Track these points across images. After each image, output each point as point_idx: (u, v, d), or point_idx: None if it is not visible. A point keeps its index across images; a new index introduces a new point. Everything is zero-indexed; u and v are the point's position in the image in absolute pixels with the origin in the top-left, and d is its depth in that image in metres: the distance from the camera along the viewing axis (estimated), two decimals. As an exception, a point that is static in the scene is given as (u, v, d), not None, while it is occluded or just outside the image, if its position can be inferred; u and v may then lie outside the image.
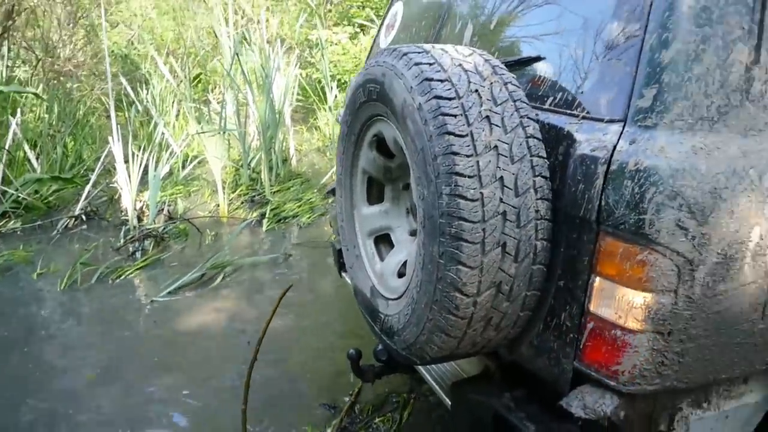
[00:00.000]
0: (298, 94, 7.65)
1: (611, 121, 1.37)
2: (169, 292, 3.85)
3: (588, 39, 1.49)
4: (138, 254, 4.52)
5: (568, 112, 1.48)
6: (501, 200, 1.35)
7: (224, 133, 5.87)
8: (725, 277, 1.29)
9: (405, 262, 1.78)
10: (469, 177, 1.33)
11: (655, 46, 1.32)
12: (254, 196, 5.83)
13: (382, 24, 2.83)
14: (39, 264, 4.27)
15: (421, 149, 1.41)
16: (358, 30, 9.54)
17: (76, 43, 8.61)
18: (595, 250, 1.35)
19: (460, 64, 1.45)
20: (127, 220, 5.01)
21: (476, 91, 1.40)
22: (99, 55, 8.57)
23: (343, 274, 2.62)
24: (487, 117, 1.38)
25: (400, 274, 1.78)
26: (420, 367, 2.05)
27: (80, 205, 5.22)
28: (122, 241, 4.69)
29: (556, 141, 1.45)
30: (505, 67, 1.50)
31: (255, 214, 5.36)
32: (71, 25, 8.40)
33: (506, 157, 1.37)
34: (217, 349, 3.23)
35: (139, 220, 5.04)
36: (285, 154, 6.64)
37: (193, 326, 3.49)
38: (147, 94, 7.37)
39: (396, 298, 1.70)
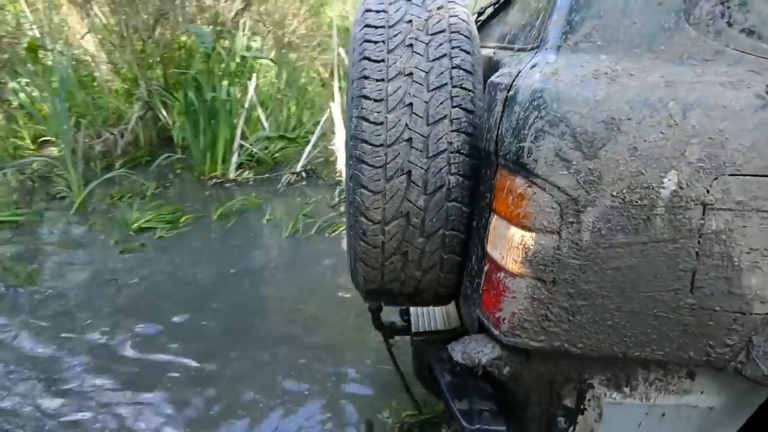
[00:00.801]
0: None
1: (532, 49, 1.25)
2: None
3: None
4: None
5: (510, 46, 1.38)
6: (407, 126, 1.32)
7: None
8: (626, 227, 1.09)
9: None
10: (375, 101, 1.33)
11: None
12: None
13: None
14: (267, 211, 5.06)
15: (348, 76, 1.44)
16: None
17: (301, 17, 9.67)
18: (493, 186, 1.24)
19: (412, -2, 1.45)
20: (341, 181, 5.62)
21: (410, 21, 1.39)
22: (320, 28, 9.57)
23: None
24: (411, 45, 1.36)
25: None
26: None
27: (301, 163, 6.11)
28: (336, 199, 5.37)
29: (490, 74, 1.36)
30: (461, 3, 1.45)
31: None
32: (298, 1, 9.47)
33: (421, 84, 1.33)
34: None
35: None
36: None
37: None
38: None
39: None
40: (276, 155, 6.56)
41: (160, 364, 2.90)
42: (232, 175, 6.00)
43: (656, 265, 1.11)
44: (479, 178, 1.34)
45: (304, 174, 6.04)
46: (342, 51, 6.44)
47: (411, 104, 1.33)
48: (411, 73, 1.34)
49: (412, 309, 2.01)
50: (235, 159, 6.08)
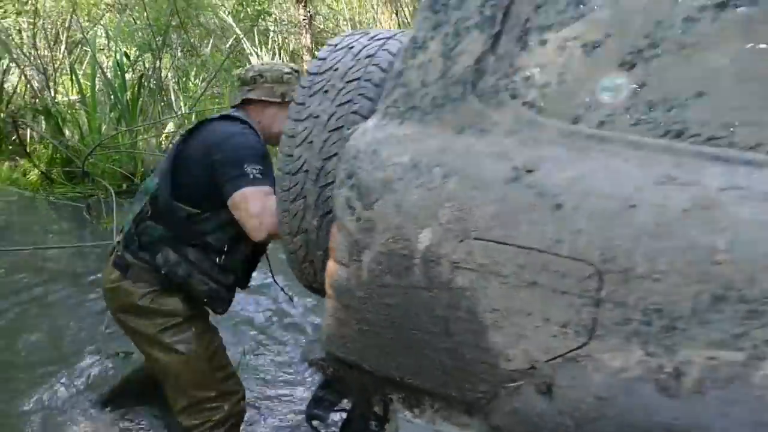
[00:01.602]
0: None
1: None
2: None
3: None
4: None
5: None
6: (306, 160, 1.61)
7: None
8: (390, 271, 1.27)
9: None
10: (290, 137, 1.65)
11: (404, 39, 1.34)
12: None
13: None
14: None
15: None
16: None
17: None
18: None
19: (352, 46, 1.71)
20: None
21: (336, 69, 1.66)
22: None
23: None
24: (326, 91, 1.63)
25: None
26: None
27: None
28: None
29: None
30: (389, 53, 1.66)
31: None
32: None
33: (322, 126, 1.60)
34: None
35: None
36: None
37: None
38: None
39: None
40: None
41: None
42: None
43: (418, 308, 1.26)
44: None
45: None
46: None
47: (312, 142, 1.62)
48: (318, 116, 1.62)
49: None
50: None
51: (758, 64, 1.04)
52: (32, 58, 9.51)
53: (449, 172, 1.19)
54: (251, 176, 2.17)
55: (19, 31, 10.32)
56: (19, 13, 10.09)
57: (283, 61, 9.68)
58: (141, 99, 8.40)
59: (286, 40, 12.18)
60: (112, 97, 8.39)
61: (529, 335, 1.15)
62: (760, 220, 0.98)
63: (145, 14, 9.28)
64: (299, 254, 1.72)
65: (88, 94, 8.30)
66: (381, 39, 1.70)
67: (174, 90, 9.56)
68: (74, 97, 9.27)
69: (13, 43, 9.70)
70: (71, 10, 9.93)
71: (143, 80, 8.66)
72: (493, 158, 1.17)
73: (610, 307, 1.07)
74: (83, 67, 10.28)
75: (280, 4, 12.42)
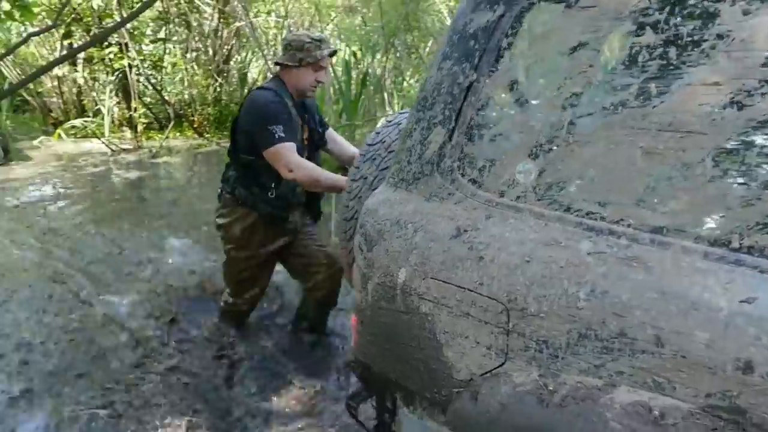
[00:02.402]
0: None
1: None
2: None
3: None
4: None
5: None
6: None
7: None
8: (383, 298, 1.71)
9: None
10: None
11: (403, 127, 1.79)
12: None
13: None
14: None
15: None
16: None
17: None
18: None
19: (400, 123, 2.18)
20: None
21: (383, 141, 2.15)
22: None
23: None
24: (374, 158, 2.13)
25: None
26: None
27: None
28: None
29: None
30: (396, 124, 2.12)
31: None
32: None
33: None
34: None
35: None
36: None
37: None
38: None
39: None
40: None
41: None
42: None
43: (401, 327, 1.69)
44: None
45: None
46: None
47: (360, 197, 2.12)
48: (366, 177, 2.12)
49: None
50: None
51: (618, 159, 1.33)
52: (273, 53, 10.89)
53: (417, 228, 1.62)
54: (276, 135, 2.99)
55: (265, 30, 11.65)
56: (268, 13, 11.64)
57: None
58: (363, 96, 9.29)
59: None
60: (338, 91, 9.11)
61: (468, 354, 1.53)
62: (611, 277, 1.28)
63: (379, 16, 9.90)
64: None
65: (318, 88, 9.14)
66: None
67: (389, 89, 10.26)
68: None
69: (263, 38, 11.22)
70: (313, 10, 11.10)
71: (366, 79, 9.39)
72: (446, 219, 1.57)
73: (515, 336, 1.42)
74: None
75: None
